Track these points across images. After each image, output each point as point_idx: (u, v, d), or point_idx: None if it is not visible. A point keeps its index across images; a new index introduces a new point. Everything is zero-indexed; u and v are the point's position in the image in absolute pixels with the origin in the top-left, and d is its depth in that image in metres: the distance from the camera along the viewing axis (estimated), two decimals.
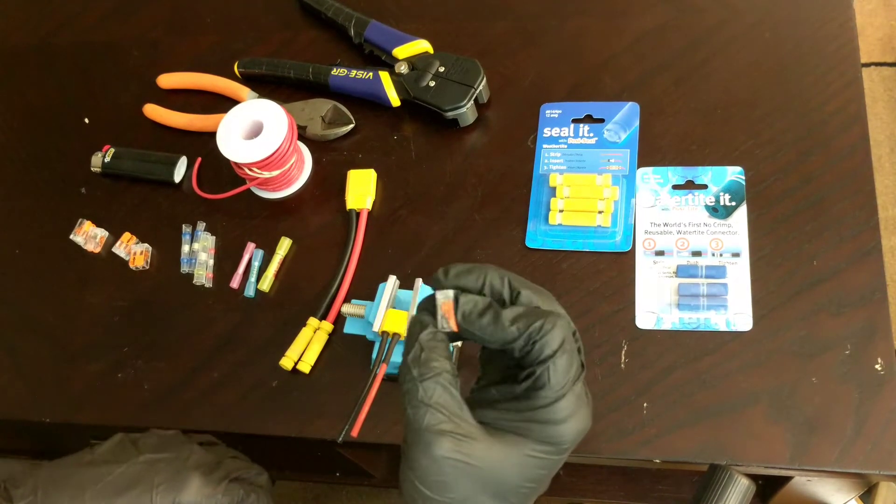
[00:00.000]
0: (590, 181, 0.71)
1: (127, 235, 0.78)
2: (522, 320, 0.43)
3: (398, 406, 0.66)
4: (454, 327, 0.44)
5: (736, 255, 0.67)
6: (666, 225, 0.69)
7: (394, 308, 0.65)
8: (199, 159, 0.81)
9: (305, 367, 0.69)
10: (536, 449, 0.44)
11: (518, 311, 0.44)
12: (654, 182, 0.71)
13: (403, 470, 0.45)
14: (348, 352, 0.70)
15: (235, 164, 0.74)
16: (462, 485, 0.43)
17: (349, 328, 0.70)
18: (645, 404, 0.63)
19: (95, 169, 0.81)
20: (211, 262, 0.76)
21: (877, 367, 0.61)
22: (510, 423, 0.45)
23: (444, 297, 0.45)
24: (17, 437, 1.01)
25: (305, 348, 0.69)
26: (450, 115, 0.75)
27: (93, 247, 0.79)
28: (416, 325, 0.45)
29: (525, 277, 0.68)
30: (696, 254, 0.68)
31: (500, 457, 0.44)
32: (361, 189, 0.75)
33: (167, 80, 0.86)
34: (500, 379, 0.47)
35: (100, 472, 0.56)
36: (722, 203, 0.69)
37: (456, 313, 0.44)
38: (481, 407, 0.46)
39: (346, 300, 0.71)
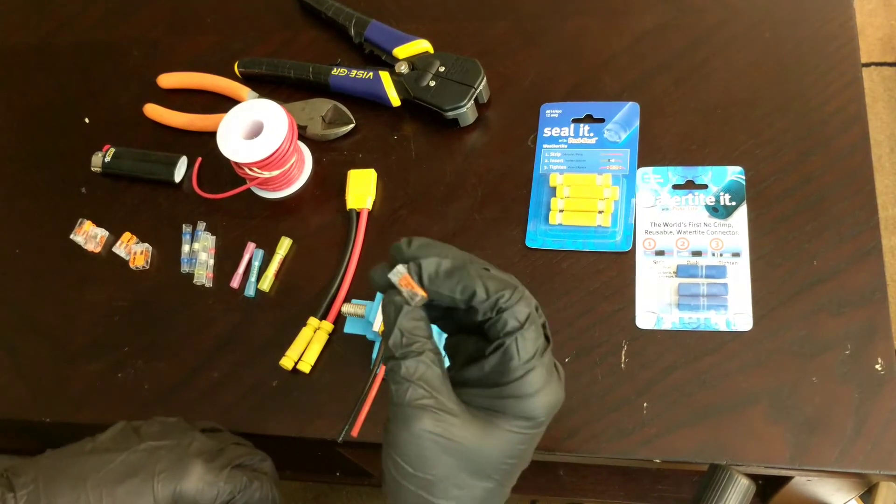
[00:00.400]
0: (590, 181, 0.71)
1: (127, 235, 0.78)
2: (491, 282, 0.44)
3: None
4: (424, 294, 0.45)
5: (736, 254, 0.67)
6: (666, 225, 0.69)
7: None
8: (200, 159, 0.81)
9: (305, 367, 0.69)
10: (513, 424, 0.45)
11: (484, 272, 0.45)
12: (654, 182, 0.71)
13: (385, 449, 0.46)
14: (348, 352, 0.70)
15: (235, 163, 0.74)
16: (443, 461, 0.44)
17: (349, 328, 0.70)
18: (645, 404, 0.63)
19: (96, 169, 0.81)
20: (211, 261, 0.76)
21: (877, 367, 0.61)
22: (485, 401, 0.45)
23: (397, 274, 0.45)
24: (17, 437, 1.01)
25: (305, 348, 0.69)
26: (450, 114, 0.75)
27: (93, 247, 0.79)
28: (390, 308, 0.45)
29: (525, 277, 0.69)
30: (697, 254, 0.68)
31: (480, 433, 0.44)
32: (362, 189, 0.75)
33: (167, 80, 0.86)
34: (467, 363, 0.47)
35: (101, 460, 0.56)
36: (722, 203, 0.69)
37: (422, 280, 0.45)
38: (455, 388, 0.46)
39: (347, 300, 0.71)
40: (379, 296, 0.67)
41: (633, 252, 0.69)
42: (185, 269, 0.76)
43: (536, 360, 0.44)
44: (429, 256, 0.45)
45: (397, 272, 0.45)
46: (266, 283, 0.73)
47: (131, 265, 0.77)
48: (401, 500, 0.46)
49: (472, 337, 0.48)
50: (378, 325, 0.64)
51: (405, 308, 0.45)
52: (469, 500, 0.45)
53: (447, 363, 0.51)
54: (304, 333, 0.70)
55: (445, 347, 0.51)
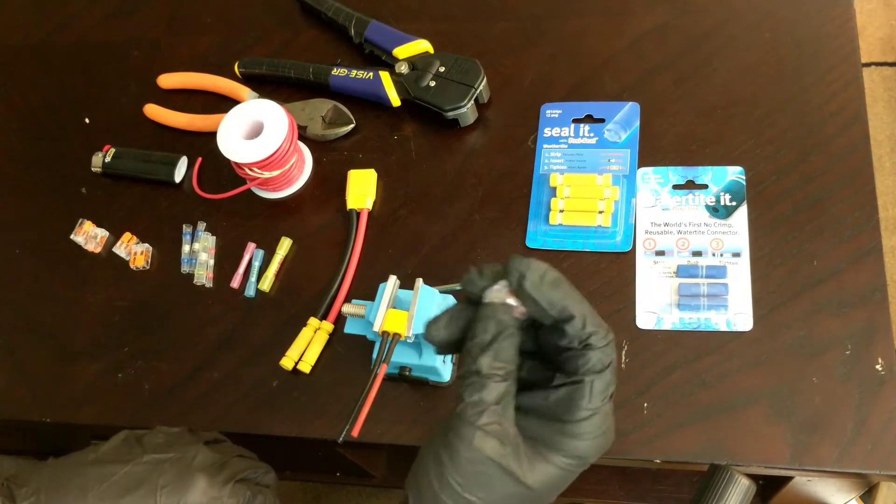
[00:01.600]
0: (590, 181, 0.71)
1: (127, 235, 0.78)
2: (591, 314, 0.43)
3: (399, 406, 0.66)
4: (523, 310, 0.44)
5: (736, 254, 0.67)
6: (666, 225, 0.69)
7: (394, 308, 0.65)
8: (200, 159, 0.81)
9: (306, 367, 0.69)
10: (562, 461, 0.44)
11: (587, 301, 0.44)
12: (654, 182, 0.71)
13: (432, 462, 0.44)
14: (349, 352, 0.70)
15: (236, 164, 0.74)
16: (495, 489, 0.43)
17: (349, 328, 0.70)
18: (645, 404, 0.63)
19: (96, 169, 0.81)
20: (211, 262, 0.76)
21: (877, 366, 0.61)
22: (539, 431, 0.44)
23: (500, 292, 0.44)
24: (16, 436, 1.01)
25: (306, 348, 0.69)
26: (450, 115, 0.75)
27: (93, 247, 0.79)
28: (490, 323, 0.44)
29: None
30: (697, 254, 0.68)
31: (535, 469, 0.44)
32: (362, 189, 0.75)
33: (167, 80, 0.86)
34: (524, 387, 0.46)
35: (104, 472, 0.56)
36: (722, 203, 0.69)
37: (523, 284, 0.43)
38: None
39: (347, 300, 0.71)
40: (379, 295, 0.66)
41: (633, 252, 0.69)
42: (185, 269, 0.76)
43: (605, 406, 0.44)
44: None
45: (499, 291, 0.44)
46: (266, 284, 0.73)
47: (131, 265, 0.77)
48: None
49: (534, 361, 0.47)
50: (378, 325, 0.64)
51: (509, 330, 0.44)
52: None
53: None
54: (305, 333, 0.70)
55: None
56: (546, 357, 0.46)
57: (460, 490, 0.43)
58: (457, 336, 0.46)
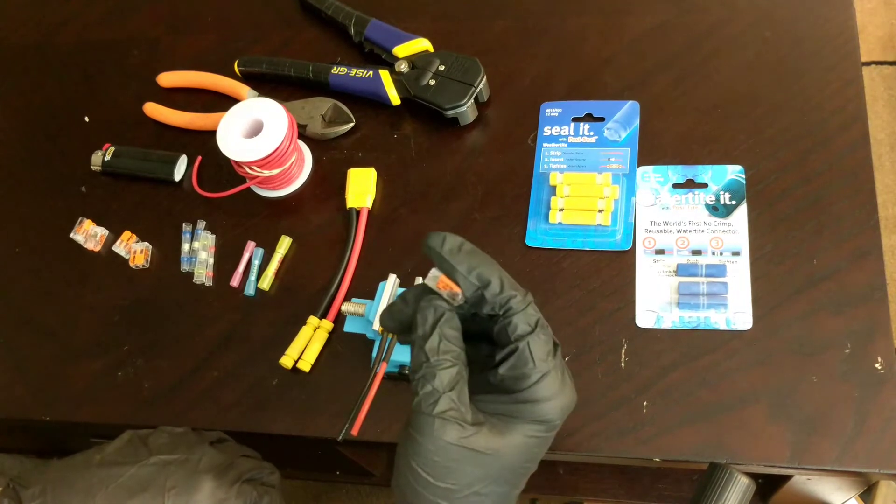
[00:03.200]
0: (590, 180, 0.71)
1: (127, 234, 0.78)
2: (507, 279, 0.45)
3: (399, 405, 0.66)
4: (461, 291, 0.45)
5: (736, 253, 0.67)
6: (666, 224, 0.69)
7: None
8: (200, 158, 0.81)
9: (305, 366, 0.69)
10: (529, 429, 0.45)
11: (503, 270, 0.46)
12: (654, 181, 0.71)
13: (404, 458, 0.45)
14: (348, 350, 0.70)
15: (235, 162, 0.74)
16: (464, 471, 0.44)
17: (349, 327, 0.70)
18: (645, 403, 0.63)
19: (95, 167, 0.81)
20: (211, 260, 0.76)
21: (877, 365, 0.61)
22: (499, 408, 0.46)
23: (434, 278, 0.46)
24: (16, 435, 1.01)
25: (305, 347, 0.69)
26: (450, 113, 0.75)
27: (93, 245, 0.79)
28: (429, 311, 0.45)
29: (525, 276, 0.69)
30: (697, 252, 0.68)
31: (499, 441, 0.45)
32: (361, 188, 0.75)
33: (167, 79, 0.86)
34: (478, 371, 0.48)
35: (110, 474, 0.56)
36: (722, 202, 0.69)
37: (443, 251, 0.45)
38: (469, 397, 0.46)
39: (347, 299, 0.71)
40: (379, 294, 0.67)
41: (633, 251, 0.69)
42: (185, 267, 0.76)
43: (549, 363, 0.45)
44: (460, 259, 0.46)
45: (433, 276, 0.45)
46: (266, 282, 0.73)
47: (131, 264, 0.77)
48: None
49: (482, 345, 0.49)
50: (378, 324, 0.64)
51: (447, 314, 0.45)
52: None
53: None
54: (304, 332, 0.70)
55: None
56: (492, 341, 0.47)
57: (433, 480, 0.44)
58: (407, 324, 0.47)
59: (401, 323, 0.48)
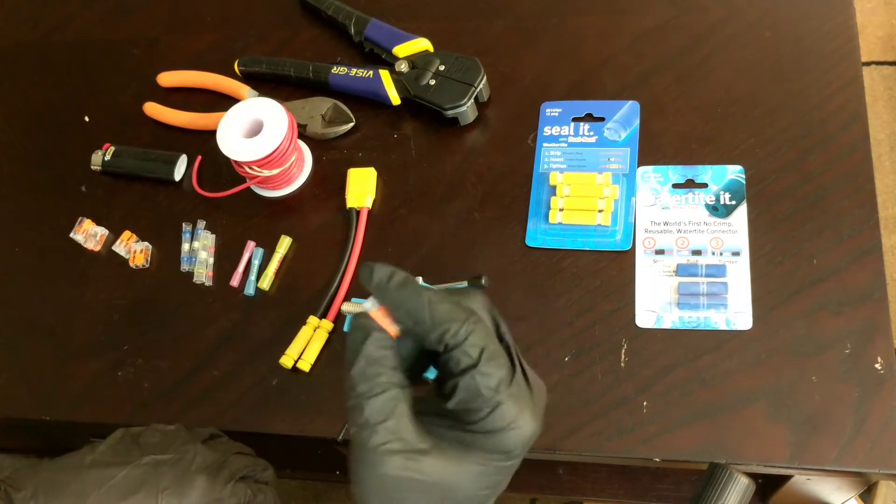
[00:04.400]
0: (590, 180, 0.71)
1: (127, 234, 0.78)
2: (439, 308, 0.41)
3: None
4: (394, 333, 0.42)
5: (736, 253, 0.67)
6: (666, 224, 0.69)
7: None
8: (200, 157, 0.81)
9: (305, 366, 0.69)
10: (486, 458, 0.42)
11: (435, 298, 0.41)
12: (654, 181, 0.71)
13: (352, 487, 0.42)
14: None
15: (235, 162, 0.74)
16: (414, 500, 0.41)
17: (349, 327, 0.70)
18: (645, 403, 0.63)
19: (95, 167, 0.81)
20: (211, 260, 0.76)
21: (877, 365, 0.61)
22: (455, 435, 0.42)
23: (372, 306, 0.42)
24: (16, 434, 1.01)
25: (305, 347, 0.69)
26: (450, 113, 0.75)
27: (93, 245, 0.79)
28: (357, 334, 0.42)
29: (525, 276, 0.69)
30: (696, 252, 0.68)
31: (453, 469, 0.41)
32: (361, 187, 0.75)
33: (167, 79, 0.86)
34: (436, 393, 0.44)
35: (102, 474, 0.55)
36: (722, 202, 0.69)
37: (371, 284, 0.42)
38: (425, 416, 0.43)
39: (346, 299, 0.71)
40: None
41: (632, 251, 0.69)
42: (184, 267, 0.76)
43: (502, 395, 0.41)
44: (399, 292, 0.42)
45: (372, 303, 0.43)
46: (266, 282, 0.73)
47: (131, 264, 0.77)
48: None
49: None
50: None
51: (374, 334, 0.41)
52: None
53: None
54: (304, 332, 0.70)
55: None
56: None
57: None
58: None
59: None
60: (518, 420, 0.41)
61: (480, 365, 0.40)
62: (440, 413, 0.43)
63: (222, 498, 0.56)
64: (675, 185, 0.71)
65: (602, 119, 0.75)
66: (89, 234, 0.79)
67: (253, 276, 0.74)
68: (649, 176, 0.71)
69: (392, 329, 0.42)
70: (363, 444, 0.40)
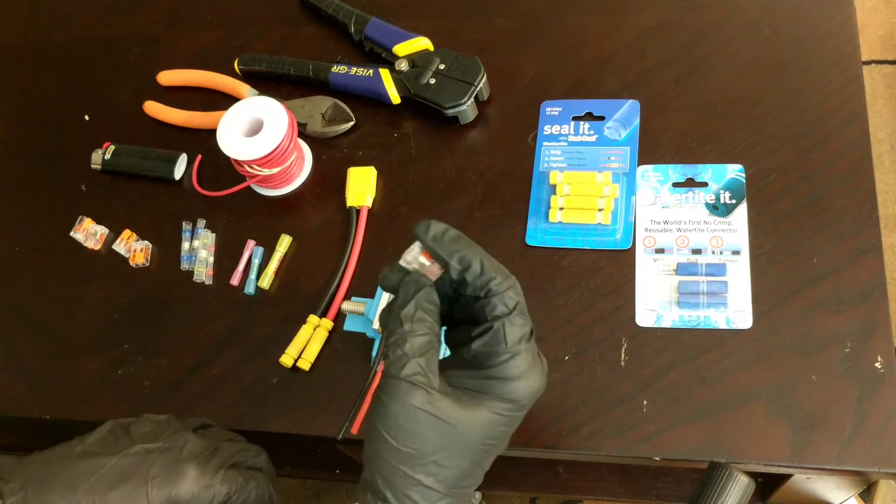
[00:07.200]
0: (590, 179, 0.71)
1: (127, 232, 0.78)
2: (488, 262, 0.47)
3: None
4: (440, 269, 0.48)
5: (736, 252, 0.67)
6: (666, 222, 0.69)
7: None
8: (200, 156, 0.81)
9: (305, 365, 0.69)
10: (496, 406, 0.47)
11: (485, 253, 0.48)
12: (654, 180, 0.71)
13: (370, 422, 0.47)
14: (348, 349, 0.70)
15: (235, 161, 0.74)
16: (427, 437, 0.45)
17: (349, 325, 0.70)
18: (644, 401, 0.63)
19: (95, 166, 0.81)
20: (211, 259, 0.76)
21: (877, 364, 0.61)
22: (470, 383, 0.47)
23: (414, 253, 0.49)
24: (16, 432, 1.01)
25: (305, 345, 0.69)
26: (450, 112, 0.75)
27: (93, 244, 0.79)
28: (410, 286, 0.48)
29: (525, 275, 0.69)
30: (697, 251, 0.68)
31: (465, 413, 0.46)
32: (361, 186, 0.75)
33: (167, 77, 0.86)
34: (456, 349, 0.50)
35: (91, 465, 0.55)
36: (722, 201, 0.69)
37: (426, 239, 0.48)
38: (442, 370, 0.48)
39: (347, 297, 0.71)
40: (379, 293, 0.67)
41: (633, 250, 0.69)
42: (185, 266, 0.76)
43: (522, 346, 0.47)
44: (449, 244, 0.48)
45: (417, 247, 0.48)
46: (266, 281, 0.73)
47: (131, 262, 0.77)
48: (379, 473, 0.46)
49: (464, 327, 0.50)
50: (378, 322, 0.64)
51: (427, 288, 0.47)
52: (446, 479, 0.47)
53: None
54: (304, 331, 0.70)
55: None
56: (469, 321, 0.49)
57: (396, 444, 0.45)
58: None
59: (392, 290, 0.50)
60: (529, 373, 0.47)
61: (513, 315, 0.47)
62: (456, 365, 0.49)
63: (213, 485, 0.56)
64: (676, 184, 0.71)
65: (602, 118, 0.75)
66: (89, 232, 0.79)
67: (253, 275, 0.74)
68: (649, 175, 0.71)
69: (434, 268, 0.48)
70: (395, 373, 0.45)
